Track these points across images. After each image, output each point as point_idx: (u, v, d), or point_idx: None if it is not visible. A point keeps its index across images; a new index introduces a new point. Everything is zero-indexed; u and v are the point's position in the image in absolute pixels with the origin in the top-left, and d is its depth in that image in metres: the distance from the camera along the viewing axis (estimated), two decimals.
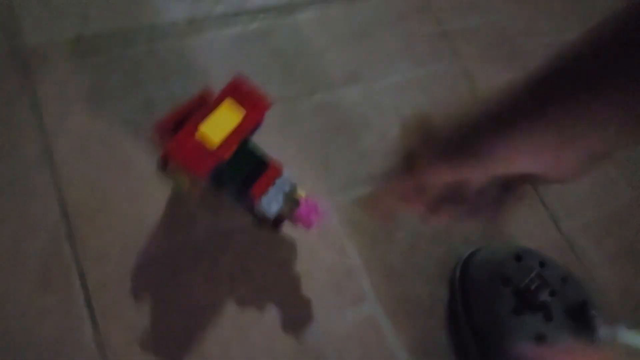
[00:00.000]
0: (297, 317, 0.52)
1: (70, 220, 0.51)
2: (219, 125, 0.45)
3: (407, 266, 0.57)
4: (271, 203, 0.48)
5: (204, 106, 0.46)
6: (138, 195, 0.53)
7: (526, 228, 0.62)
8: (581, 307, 0.52)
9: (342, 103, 0.64)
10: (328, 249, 0.56)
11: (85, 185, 0.53)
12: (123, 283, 0.50)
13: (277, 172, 0.48)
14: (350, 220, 0.58)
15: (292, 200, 0.48)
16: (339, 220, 0.58)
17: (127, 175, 0.54)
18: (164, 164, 0.48)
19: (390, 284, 0.56)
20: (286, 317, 0.52)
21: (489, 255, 0.55)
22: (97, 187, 0.53)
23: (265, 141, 0.50)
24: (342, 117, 0.63)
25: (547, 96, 0.31)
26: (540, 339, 0.49)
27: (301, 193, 0.49)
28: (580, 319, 0.51)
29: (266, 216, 0.48)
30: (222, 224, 0.55)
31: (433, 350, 0.54)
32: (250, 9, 0.66)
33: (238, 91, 0.46)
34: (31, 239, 0.50)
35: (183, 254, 0.52)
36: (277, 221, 0.50)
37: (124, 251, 0.51)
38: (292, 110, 0.62)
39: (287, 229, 0.55)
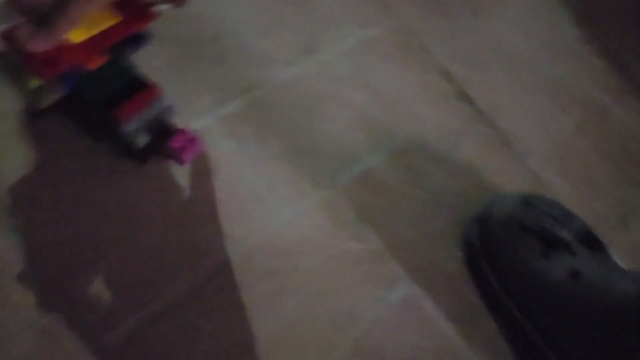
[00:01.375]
0: (338, 315, 0.49)
1: None
2: (86, 29, 0.38)
3: (421, 236, 0.56)
4: (139, 130, 0.42)
5: None
6: None
7: (504, 172, 0.64)
8: (589, 235, 0.55)
9: (305, 80, 0.60)
10: (348, 239, 0.53)
11: None
12: None
13: (154, 95, 0.42)
14: (358, 204, 0.55)
15: (166, 130, 0.43)
16: (348, 206, 0.54)
17: None
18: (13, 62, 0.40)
19: (412, 257, 0.54)
20: (328, 317, 0.48)
21: (500, 209, 0.56)
22: None
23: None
24: (310, 95, 0.59)
25: None
26: (574, 275, 0.52)
27: (178, 124, 0.44)
28: (594, 246, 0.55)
29: (131, 146, 0.43)
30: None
31: (473, 314, 0.54)
32: None
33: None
34: None
35: None
36: (145, 153, 0.45)
37: None
38: (259, 100, 0.56)
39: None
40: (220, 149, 0.52)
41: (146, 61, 0.53)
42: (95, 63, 0.38)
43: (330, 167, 0.56)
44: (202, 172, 0.50)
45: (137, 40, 0.42)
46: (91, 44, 0.38)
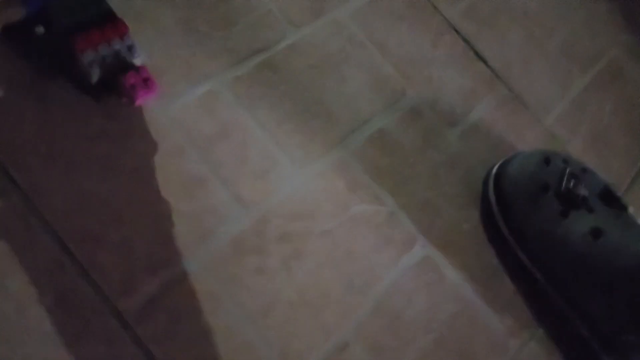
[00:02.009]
0: (356, 278, 0.48)
1: None
2: None
3: (436, 197, 0.55)
4: (95, 63, 0.41)
5: None
6: None
7: (519, 131, 0.63)
8: (608, 192, 0.54)
9: (315, 41, 0.58)
10: (363, 201, 0.52)
11: None
12: None
13: (117, 31, 0.42)
14: (372, 165, 0.54)
15: (123, 66, 0.42)
16: (362, 168, 0.53)
17: None
18: None
19: (429, 219, 0.54)
20: (346, 280, 0.48)
21: (518, 168, 0.55)
22: None
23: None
24: (321, 56, 0.57)
25: None
26: (594, 233, 0.51)
27: (138, 62, 0.43)
28: (612, 203, 0.54)
29: (86, 79, 0.42)
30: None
31: (491, 275, 0.53)
32: None
33: None
34: None
35: None
36: (99, 89, 0.44)
37: None
38: (269, 62, 0.55)
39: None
40: (231, 112, 0.51)
41: (154, 22, 0.51)
42: None
43: (344, 128, 0.55)
44: (213, 136, 0.49)
45: None
46: None
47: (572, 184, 0.52)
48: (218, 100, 0.51)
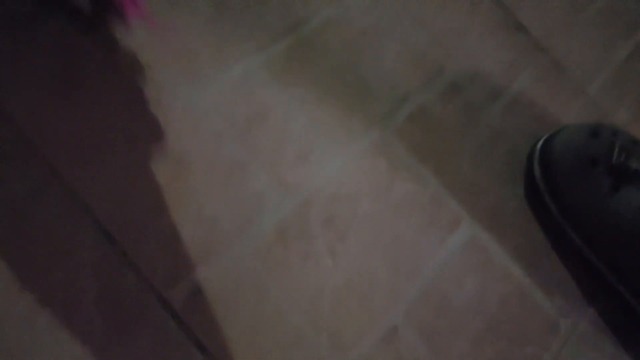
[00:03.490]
0: (402, 261, 0.47)
1: None
2: None
3: (480, 174, 0.53)
4: None
5: None
6: None
7: (563, 103, 0.60)
8: None
9: (350, 15, 0.56)
10: (405, 181, 0.50)
11: None
12: None
13: None
14: (414, 144, 0.52)
15: None
16: (404, 147, 0.52)
17: None
18: None
19: (473, 198, 0.52)
20: (392, 263, 0.47)
21: (564, 142, 0.53)
22: None
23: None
24: (357, 31, 0.55)
25: None
26: None
27: None
28: None
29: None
30: None
31: (539, 253, 0.52)
32: None
33: None
34: None
35: None
36: (90, 13, 0.44)
37: None
38: (303, 41, 0.53)
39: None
40: (266, 94, 0.50)
41: (188, 3, 0.50)
42: None
43: (382, 106, 0.53)
44: (251, 119, 0.48)
45: None
46: None
47: (622, 157, 0.50)
48: (254, 81, 0.49)
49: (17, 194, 0.40)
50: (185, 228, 0.43)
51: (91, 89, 0.44)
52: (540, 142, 0.54)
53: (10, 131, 0.41)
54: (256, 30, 0.52)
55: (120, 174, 0.42)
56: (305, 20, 0.54)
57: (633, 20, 0.69)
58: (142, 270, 0.41)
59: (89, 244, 0.40)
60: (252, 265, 0.43)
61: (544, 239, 0.52)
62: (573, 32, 0.66)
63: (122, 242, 0.41)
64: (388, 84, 0.54)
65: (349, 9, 0.56)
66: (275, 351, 0.42)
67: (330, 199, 0.48)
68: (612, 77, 0.65)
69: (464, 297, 0.47)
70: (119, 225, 0.41)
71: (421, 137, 0.53)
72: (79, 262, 0.40)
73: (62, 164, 0.41)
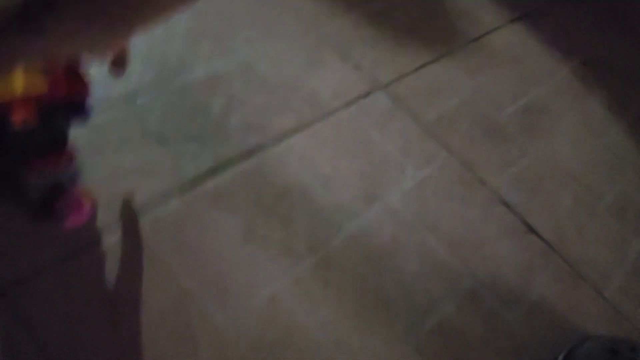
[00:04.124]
0: None
1: None
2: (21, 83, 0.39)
3: None
4: (40, 184, 0.45)
5: None
6: None
7: (581, 307, 0.61)
8: None
9: (370, 231, 0.60)
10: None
11: None
12: None
13: (67, 161, 0.45)
14: None
15: (62, 189, 0.46)
16: None
17: None
18: None
19: None
20: None
21: (584, 358, 0.53)
22: None
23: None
24: (376, 246, 0.59)
25: None
26: None
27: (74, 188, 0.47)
28: None
29: (28, 199, 0.46)
30: None
31: None
32: None
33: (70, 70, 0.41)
34: None
35: None
36: (39, 208, 0.47)
37: None
38: (328, 259, 0.56)
39: None
40: (290, 319, 0.51)
41: (218, 230, 0.54)
42: (20, 120, 0.40)
43: (404, 322, 0.55)
44: (278, 344, 0.50)
45: (73, 109, 0.44)
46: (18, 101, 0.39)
47: None
48: (279, 306, 0.52)
49: None
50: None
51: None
52: (561, 357, 0.54)
53: None
54: (282, 253, 0.55)
55: None
56: (328, 239, 0.57)
57: None
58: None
59: None
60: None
61: None
62: (584, 231, 0.68)
63: None
64: (409, 296, 0.56)
65: (368, 225, 0.60)
66: None
67: None
68: (628, 276, 0.66)
69: None
70: None
71: (443, 352, 0.54)
72: None
73: None
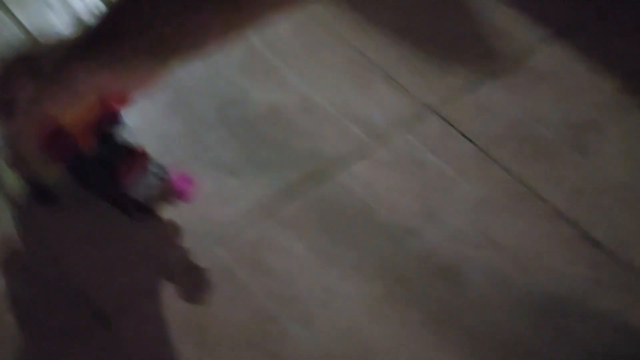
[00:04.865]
0: None
1: None
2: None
3: None
4: (141, 186, 0.49)
5: None
6: None
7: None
8: None
9: (429, 248, 0.61)
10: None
11: None
12: None
13: (145, 159, 0.50)
14: None
15: (162, 179, 0.50)
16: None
17: None
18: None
19: None
20: None
21: None
22: None
23: None
24: (442, 264, 0.60)
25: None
26: None
27: (169, 172, 0.51)
28: None
29: (138, 201, 0.50)
30: None
31: None
32: None
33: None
34: None
35: None
36: (146, 206, 0.51)
37: None
38: (400, 280, 0.58)
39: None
40: (373, 333, 0.53)
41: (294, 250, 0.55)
42: (88, 145, 0.44)
43: (478, 343, 0.55)
44: None
45: (114, 119, 0.48)
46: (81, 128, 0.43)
47: None
48: (359, 323, 0.53)
49: None
50: None
51: None
52: None
53: None
54: (355, 276, 0.56)
55: None
56: (397, 260, 0.59)
57: None
58: None
59: None
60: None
61: None
62: None
63: None
64: (480, 316, 0.57)
65: (431, 243, 0.61)
66: None
67: None
68: None
69: None
70: None
71: None
72: None
73: None
